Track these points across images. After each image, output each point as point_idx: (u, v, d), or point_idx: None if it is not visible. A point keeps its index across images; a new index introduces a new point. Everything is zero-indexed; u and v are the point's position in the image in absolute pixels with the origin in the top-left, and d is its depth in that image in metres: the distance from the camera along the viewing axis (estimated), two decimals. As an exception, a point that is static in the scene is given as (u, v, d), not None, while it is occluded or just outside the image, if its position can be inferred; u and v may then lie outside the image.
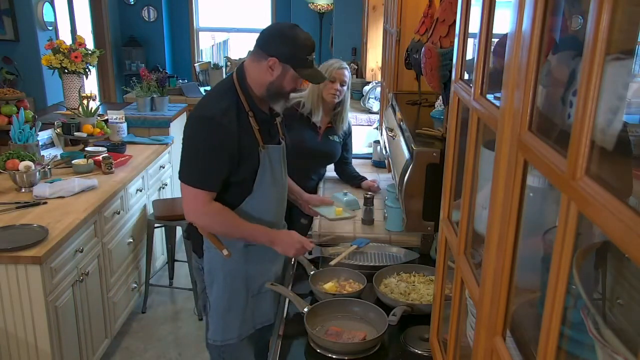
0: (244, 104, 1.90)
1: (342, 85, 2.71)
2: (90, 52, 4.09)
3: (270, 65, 1.85)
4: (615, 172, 0.63)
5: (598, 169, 0.56)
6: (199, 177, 1.86)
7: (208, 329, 2.06)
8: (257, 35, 1.93)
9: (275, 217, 2.04)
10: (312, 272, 2.05)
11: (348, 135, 2.98)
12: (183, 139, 1.90)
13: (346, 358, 1.62)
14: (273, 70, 1.86)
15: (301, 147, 2.66)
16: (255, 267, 2.01)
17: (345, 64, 2.77)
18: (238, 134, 1.85)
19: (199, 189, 1.86)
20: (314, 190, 2.87)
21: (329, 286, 1.98)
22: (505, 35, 0.80)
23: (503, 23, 0.84)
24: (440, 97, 1.90)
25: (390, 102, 2.44)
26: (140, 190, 3.44)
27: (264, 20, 7.70)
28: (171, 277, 3.82)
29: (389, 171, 3.16)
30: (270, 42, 1.88)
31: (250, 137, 1.89)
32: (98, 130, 3.64)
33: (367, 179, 2.93)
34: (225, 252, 1.95)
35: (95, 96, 4.58)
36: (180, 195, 2.06)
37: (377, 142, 3.34)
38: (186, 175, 1.89)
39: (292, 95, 2.05)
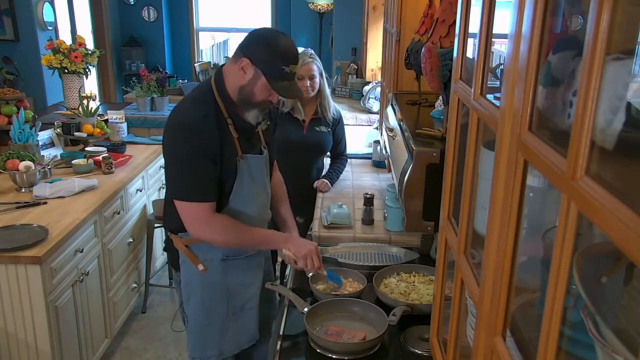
0: (222, 111, 1.76)
1: (311, 79, 2.68)
2: (90, 52, 4.09)
3: (242, 67, 1.70)
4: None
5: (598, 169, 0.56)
6: (194, 190, 1.73)
7: (187, 344, 1.97)
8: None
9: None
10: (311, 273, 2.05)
11: (337, 123, 2.90)
12: (164, 152, 1.78)
13: (346, 358, 1.62)
14: (245, 72, 1.71)
15: (287, 142, 2.67)
16: (235, 280, 1.90)
17: (309, 56, 2.68)
18: (218, 141, 1.73)
19: (198, 202, 1.73)
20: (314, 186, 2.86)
21: (322, 287, 1.97)
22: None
23: (503, 23, 0.83)
24: (440, 97, 1.89)
25: (390, 102, 2.43)
26: (140, 190, 3.43)
27: (264, 20, 7.70)
28: (171, 277, 3.81)
29: (389, 171, 3.16)
30: (248, 43, 1.74)
31: (230, 145, 1.76)
32: (98, 130, 3.64)
33: (325, 180, 2.87)
34: (200, 267, 1.84)
35: (95, 96, 4.58)
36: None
37: (377, 142, 3.33)
38: (180, 191, 1.75)
39: None
